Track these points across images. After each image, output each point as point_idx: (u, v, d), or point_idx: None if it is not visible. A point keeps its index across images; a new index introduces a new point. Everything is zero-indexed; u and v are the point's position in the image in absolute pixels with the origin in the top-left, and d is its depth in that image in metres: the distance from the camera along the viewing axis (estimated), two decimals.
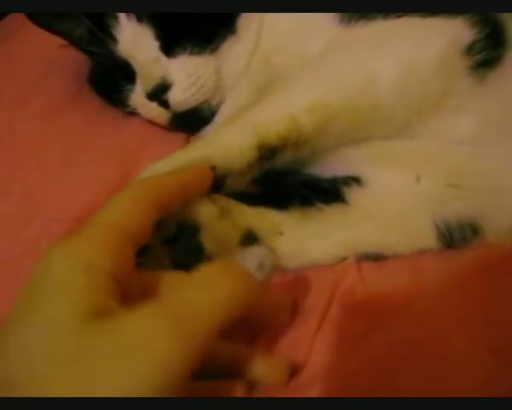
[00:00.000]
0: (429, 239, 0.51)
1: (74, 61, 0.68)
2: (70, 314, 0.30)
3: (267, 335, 0.45)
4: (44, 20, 0.64)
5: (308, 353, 0.44)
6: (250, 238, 0.47)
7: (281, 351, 0.44)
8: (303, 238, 0.50)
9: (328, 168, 0.54)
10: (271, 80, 0.56)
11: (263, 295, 0.37)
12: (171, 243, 0.42)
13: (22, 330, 0.30)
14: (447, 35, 0.52)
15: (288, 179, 0.54)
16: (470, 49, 0.51)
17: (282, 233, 0.49)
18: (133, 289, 0.35)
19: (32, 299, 0.31)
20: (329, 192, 0.52)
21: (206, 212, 0.44)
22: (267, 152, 0.47)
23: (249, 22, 0.60)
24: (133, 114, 0.63)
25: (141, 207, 0.36)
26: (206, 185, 0.43)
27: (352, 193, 0.52)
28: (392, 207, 0.52)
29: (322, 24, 0.57)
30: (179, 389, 0.29)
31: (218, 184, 0.45)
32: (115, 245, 0.34)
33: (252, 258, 0.37)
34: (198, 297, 0.32)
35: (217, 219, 0.45)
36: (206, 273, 0.34)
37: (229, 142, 0.46)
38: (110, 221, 0.35)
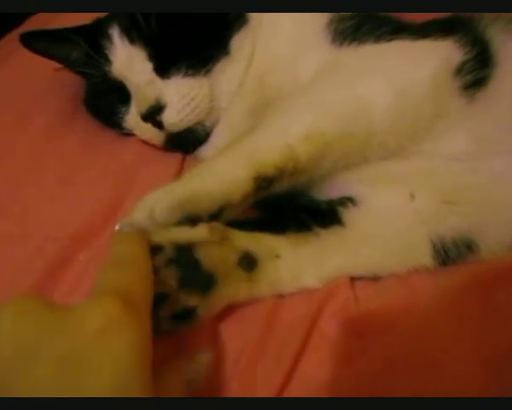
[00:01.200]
0: (425, 257, 0.51)
1: (71, 81, 0.69)
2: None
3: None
4: (40, 46, 0.65)
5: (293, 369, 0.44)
6: (248, 260, 0.47)
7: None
8: (300, 264, 0.50)
9: (324, 191, 0.54)
10: (265, 101, 0.57)
11: None
12: (173, 263, 0.42)
13: None
14: (438, 57, 0.53)
15: (284, 203, 0.54)
16: (460, 70, 0.52)
17: (278, 256, 0.49)
18: None
19: (99, 352, 0.32)
20: (326, 215, 0.53)
21: (202, 234, 0.44)
22: (264, 182, 0.47)
23: (242, 43, 0.60)
24: (129, 134, 0.64)
25: None
26: None
27: (348, 213, 0.53)
28: (387, 225, 0.52)
29: (314, 44, 0.58)
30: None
31: (215, 214, 0.45)
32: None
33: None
34: None
35: (212, 242, 0.45)
36: None
37: (226, 175, 0.45)
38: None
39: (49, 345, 0.31)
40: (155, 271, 0.40)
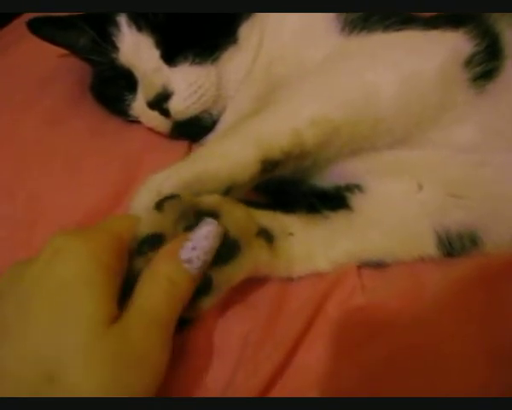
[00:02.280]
0: (430, 247, 0.52)
1: (78, 67, 0.69)
2: (94, 316, 0.34)
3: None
4: (47, 32, 0.64)
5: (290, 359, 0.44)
6: (266, 234, 0.47)
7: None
8: (311, 244, 0.50)
9: (331, 178, 0.54)
10: (272, 89, 0.56)
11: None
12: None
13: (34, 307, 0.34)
14: (447, 48, 0.52)
15: (292, 189, 0.54)
16: (469, 62, 0.52)
17: (291, 234, 0.49)
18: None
19: (44, 282, 0.35)
20: (334, 199, 0.53)
21: (223, 200, 0.44)
22: (270, 165, 0.47)
23: (250, 32, 0.60)
24: (135, 122, 0.64)
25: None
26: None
27: (356, 199, 0.53)
28: (394, 214, 0.52)
29: (323, 34, 0.57)
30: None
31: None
32: (121, 251, 0.38)
33: (197, 257, 0.38)
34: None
35: (234, 206, 0.44)
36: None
37: (232, 156, 0.45)
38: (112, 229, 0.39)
39: (10, 289, 0.36)
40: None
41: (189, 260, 0.38)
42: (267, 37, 0.61)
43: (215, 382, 0.44)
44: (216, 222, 0.40)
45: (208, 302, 0.42)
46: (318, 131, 0.48)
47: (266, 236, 0.47)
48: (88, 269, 0.35)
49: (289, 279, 0.50)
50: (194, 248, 0.38)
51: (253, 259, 0.45)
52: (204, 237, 0.39)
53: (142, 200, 0.44)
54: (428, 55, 0.52)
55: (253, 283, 0.48)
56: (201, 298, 0.41)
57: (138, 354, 0.34)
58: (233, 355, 0.45)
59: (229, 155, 0.45)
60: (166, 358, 0.37)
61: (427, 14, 0.60)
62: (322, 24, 0.58)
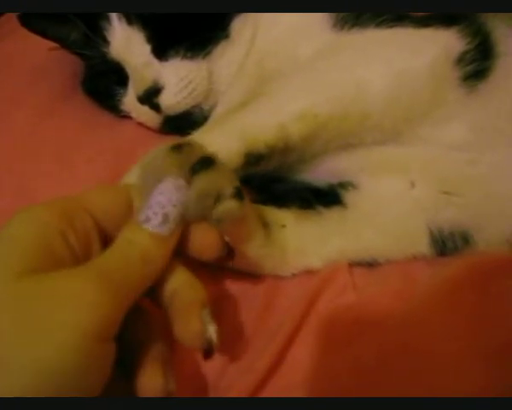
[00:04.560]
0: (423, 245, 0.52)
1: (69, 60, 0.68)
2: (10, 266, 0.32)
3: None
4: (39, 25, 0.64)
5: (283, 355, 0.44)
6: (262, 221, 0.47)
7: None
8: (304, 238, 0.50)
9: (324, 176, 0.54)
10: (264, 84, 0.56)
11: (172, 245, 0.38)
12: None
13: None
14: (438, 45, 0.52)
15: (286, 185, 0.54)
16: (460, 60, 0.52)
17: (284, 226, 0.49)
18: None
19: None
20: (328, 195, 0.53)
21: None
22: (254, 159, 0.47)
23: (243, 27, 0.60)
24: (127, 117, 0.63)
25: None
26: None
27: (349, 196, 0.53)
28: (387, 211, 0.52)
29: (315, 30, 0.57)
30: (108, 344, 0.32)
31: None
32: (70, 210, 0.37)
33: (155, 214, 0.37)
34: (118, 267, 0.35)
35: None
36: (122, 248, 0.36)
37: (215, 148, 0.44)
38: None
39: None
40: None
41: (146, 219, 0.37)
42: (260, 32, 0.60)
43: (205, 376, 0.44)
44: (171, 178, 0.39)
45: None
46: (304, 125, 0.48)
47: (262, 222, 0.47)
48: (23, 226, 0.34)
49: (281, 277, 0.50)
50: (149, 207, 0.37)
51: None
52: (158, 193, 0.38)
53: (133, 176, 0.44)
54: (419, 52, 0.52)
55: (245, 280, 0.48)
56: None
57: (59, 304, 0.31)
58: (224, 350, 0.45)
59: (213, 146, 0.44)
60: (115, 318, 0.33)
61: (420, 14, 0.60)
62: (314, 20, 0.57)
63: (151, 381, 0.36)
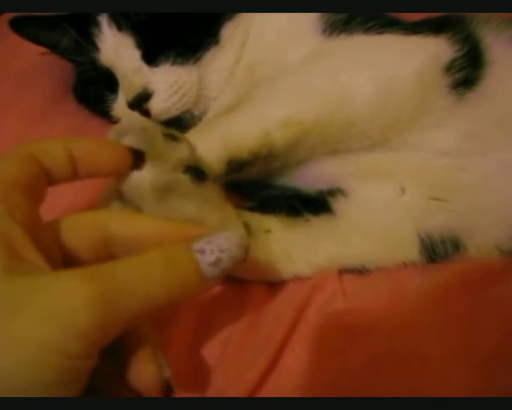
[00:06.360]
0: (412, 252, 0.51)
1: (60, 65, 0.68)
2: None
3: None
4: (31, 32, 0.64)
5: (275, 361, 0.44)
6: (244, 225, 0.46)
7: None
8: (291, 245, 0.49)
9: (313, 182, 0.54)
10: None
11: (207, 290, 0.36)
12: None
13: None
14: (427, 52, 0.52)
15: (273, 192, 0.54)
16: (450, 68, 0.52)
17: (269, 231, 0.49)
18: (49, 242, 0.35)
19: None
20: (316, 203, 0.52)
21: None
22: (236, 165, 0.46)
23: (233, 32, 0.60)
24: (117, 122, 0.63)
25: (27, 162, 0.35)
26: (120, 164, 0.38)
27: (338, 203, 0.52)
28: (377, 218, 0.52)
29: (305, 35, 0.57)
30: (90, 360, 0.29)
31: None
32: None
33: (211, 251, 0.34)
34: (130, 278, 0.31)
35: None
36: (148, 258, 0.32)
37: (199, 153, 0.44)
38: None
39: None
40: None
41: (201, 251, 0.34)
42: (251, 38, 0.60)
43: (195, 387, 0.43)
44: (239, 233, 0.37)
45: None
46: (288, 132, 0.48)
47: (246, 227, 0.46)
48: None
49: (271, 284, 0.50)
50: (209, 242, 0.35)
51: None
52: (224, 237, 0.35)
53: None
54: (407, 58, 0.52)
55: (235, 287, 0.48)
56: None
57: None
58: (213, 357, 0.45)
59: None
60: (97, 338, 0.29)
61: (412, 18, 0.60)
62: (304, 25, 0.57)
63: (145, 369, 0.34)
